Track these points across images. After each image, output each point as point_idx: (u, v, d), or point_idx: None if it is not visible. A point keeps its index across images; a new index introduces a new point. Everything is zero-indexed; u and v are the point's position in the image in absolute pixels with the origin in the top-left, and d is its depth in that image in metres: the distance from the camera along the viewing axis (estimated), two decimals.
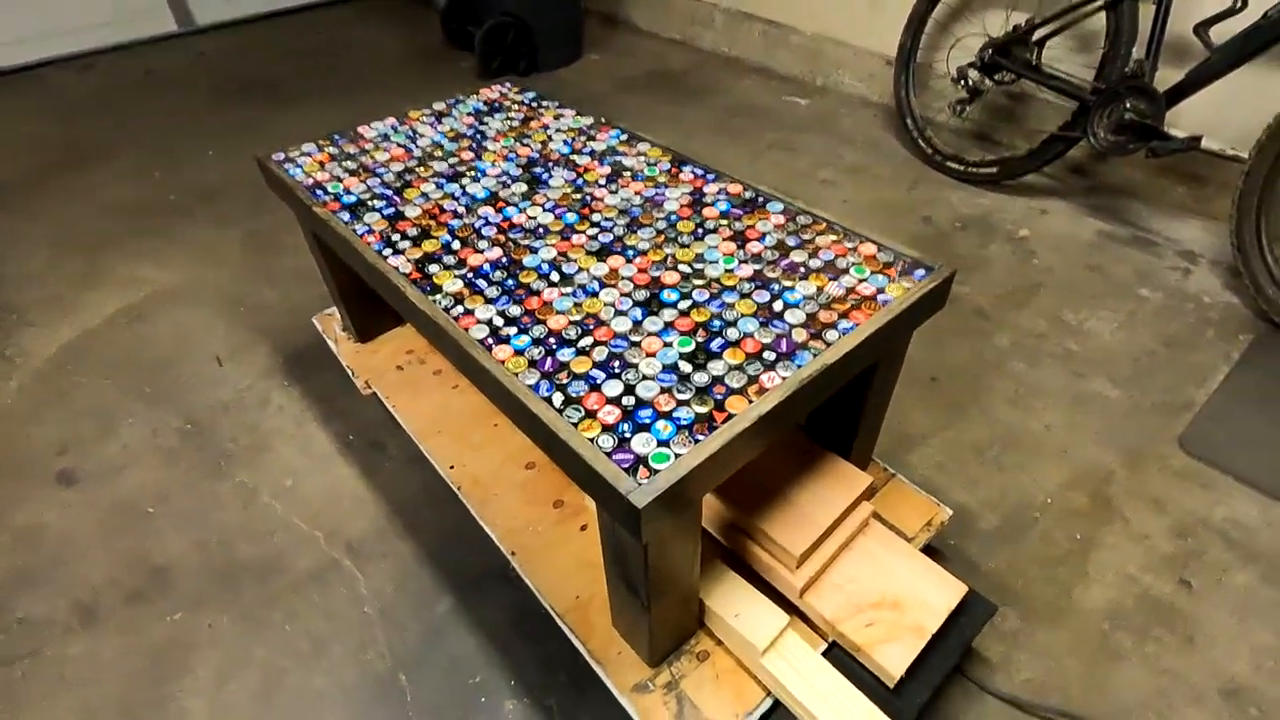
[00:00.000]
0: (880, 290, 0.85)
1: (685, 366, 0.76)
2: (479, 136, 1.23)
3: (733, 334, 0.80)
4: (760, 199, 1.03)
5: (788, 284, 0.87)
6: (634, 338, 0.80)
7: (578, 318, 0.83)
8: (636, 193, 1.06)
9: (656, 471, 0.64)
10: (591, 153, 1.16)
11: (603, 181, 1.08)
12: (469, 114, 1.31)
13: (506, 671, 1.01)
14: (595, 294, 0.86)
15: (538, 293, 0.87)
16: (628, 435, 0.68)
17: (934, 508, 1.06)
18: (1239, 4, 1.50)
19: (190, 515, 1.24)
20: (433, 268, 0.92)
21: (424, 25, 3.28)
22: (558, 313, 0.84)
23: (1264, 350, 1.50)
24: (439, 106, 1.33)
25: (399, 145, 1.21)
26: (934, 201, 2.00)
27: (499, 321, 0.83)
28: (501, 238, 0.97)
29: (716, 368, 0.75)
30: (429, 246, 0.96)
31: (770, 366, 0.75)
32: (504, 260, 0.93)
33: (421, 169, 1.14)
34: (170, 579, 1.14)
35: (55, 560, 1.18)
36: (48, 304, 1.72)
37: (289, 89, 2.76)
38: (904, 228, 1.88)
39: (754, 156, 2.22)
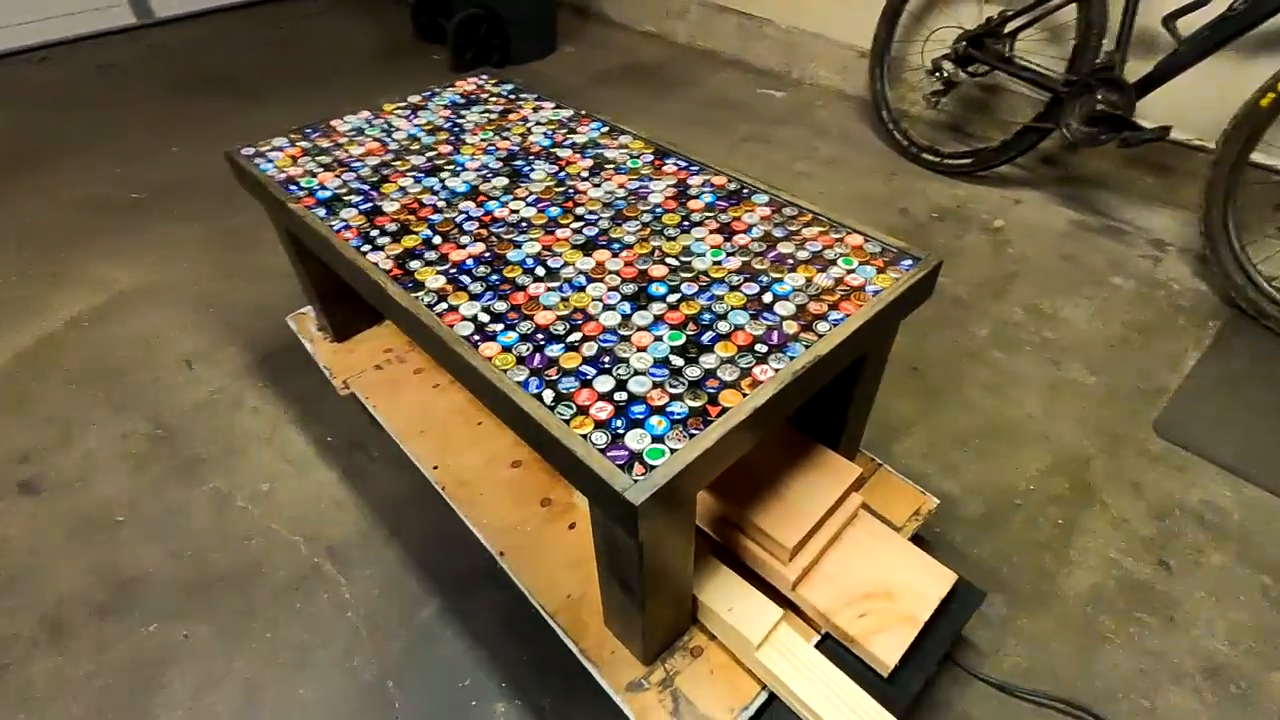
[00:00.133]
0: (868, 281, 0.85)
1: (677, 360, 0.75)
2: (457, 130, 1.20)
3: (723, 327, 0.79)
4: (745, 190, 1.02)
5: (776, 276, 0.86)
6: (623, 332, 0.78)
7: (565, 313, 0.81)
8: (620, 185, 1.04)
9: (652, 468, 0.63)
10: (573, 145, 1.15)
11: (585, 174, 1.07)
12: (445, 107, 1.28)
13: (497, 674, 1.00)
14: (582, 288, 0.85)
15: (523, 288, 0.85)
16: (621, 431, 0.67)
17: (921, 497, 1.07)
18: None
19: (162, 523, 1.20)
20: (414, 264, 0.90)
21: (392, 18, 3.22)
22: (545, 308, 0.82)
23: (1232, 335, 1.53)
24: (414, 99, 1.30)
25: (374, 139, 1.18)
26: (910, 193, 2.01)
27: (484, 318, 0.81)
28: (484, 232, 0.95)
29: (708, 361, 0.74)
30: (409, 242, 0.93)
31: (762, 359, 0.74)
32: (487, 255, 0.91)
33: (398, 163, 1.11)
34: (143, 590, 1.11)
35: (19, 573, 1.13)
36: (5, 306, 1.66)
37: (254, 83, 2.68)
38: (882, 219, 1.89)
39: (730, 149, 2.22)
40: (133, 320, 1.61)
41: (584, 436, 0.66)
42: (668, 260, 0.89)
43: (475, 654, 1.02)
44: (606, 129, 1.19)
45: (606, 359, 0.75)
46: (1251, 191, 1.58)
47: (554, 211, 0.99)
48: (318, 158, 1.13)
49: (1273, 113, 1.46)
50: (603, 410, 0.69)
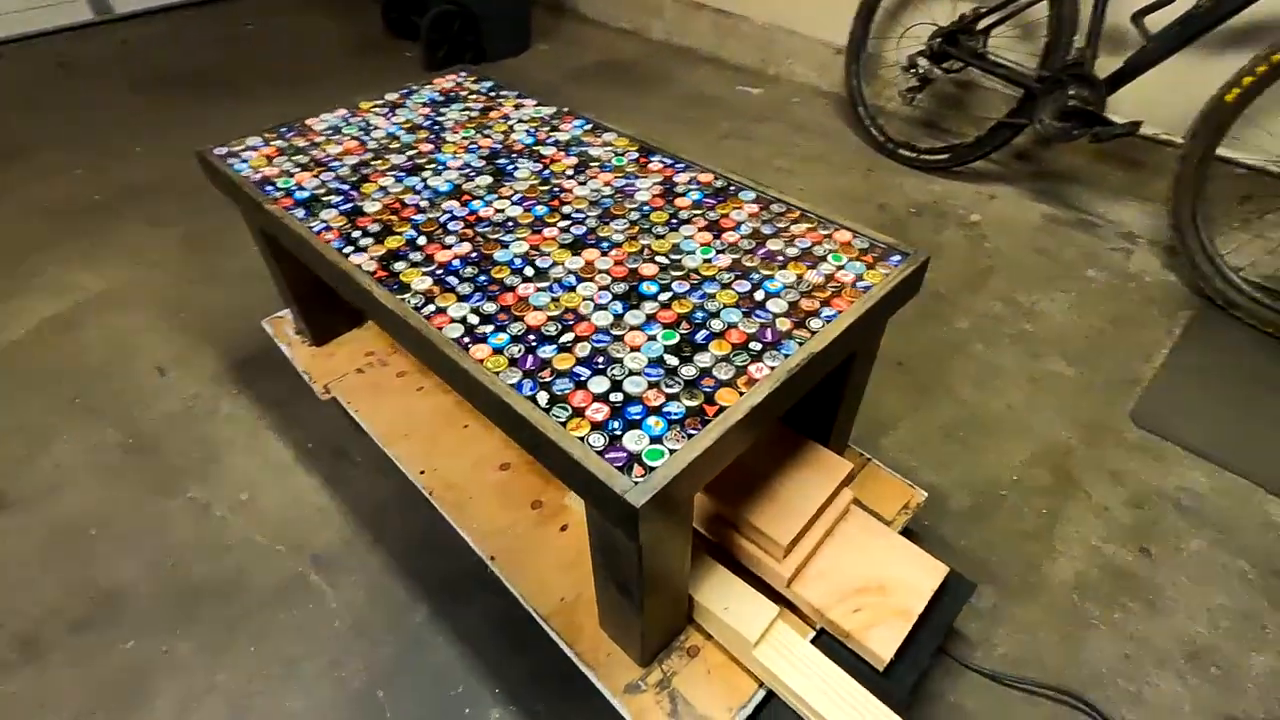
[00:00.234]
0: (859, 277, 0.85)
1: (671, 360, 0.74)
2: (437, 128, 1.18)
3: (716, 325, 0.78)
4: (732, 187, 1.02)
5: (767, 273, 0.86)
6: (616, 332, 0.78)
7: (556, 313, 0.80)
8: (606, 183, 1.03)
9: (652, 469, 0.63)
10: (556, 143, 1.13)
11: (570, 172, 1.06)
12: (424, 105, 1.25)
13: (490, 680, 0.98)
14: (572, 288, 0.84)
15: (512, 288, 0.84)
16: (618, 432, 0.66)
17: (910, 491, 1.08)
18: None
19: (138, 535, 1.16)
20: (399, 265, 0.88)
21: (362, 14, 3.17)
22: (535, 308, 0.81)
23: (1202, 326, 1.57)
24: (392, 97, 1.28)
25: (352, 138, 1.15)
26: (888, 188, 2.03)
27: (474, 319, 0.79)
28: (469, 232, 0.93)
29: (703, 360, 0.74)
30: (393, 243, 0.92)
31: (757, 357, 0.74)
32: (474, 256, 0.89)
33: (378, 162, 1.09)
34: (120, 604, 1.07)
35: None
36: None
37: (220, 81, 2.62)
38: (862, 215, 1.91)
39: (710, 146, 2.22)
40: (101, 326, 1.56)
41: (581, 439, 0.66)
42: (658, 259, 0.88)
43: (467, 660, 1.00)
44: (590, 127, 1.18)
45: (600, 359, 0.74)
46: (1217, 185, 1.62)
47: (540, 210, 0.97)
48: (294, 157, 1.10)
49: (1237, 108, 1.50)
50: (599, 412, 0.68)
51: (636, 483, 0.61)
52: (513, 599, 0.96)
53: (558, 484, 1.07)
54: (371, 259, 0.89)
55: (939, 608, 0.93)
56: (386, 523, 1.18)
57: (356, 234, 0.93)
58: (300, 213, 0.97)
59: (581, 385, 0.71)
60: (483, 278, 0.85)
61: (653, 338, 0.77)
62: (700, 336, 0.77)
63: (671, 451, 0.64)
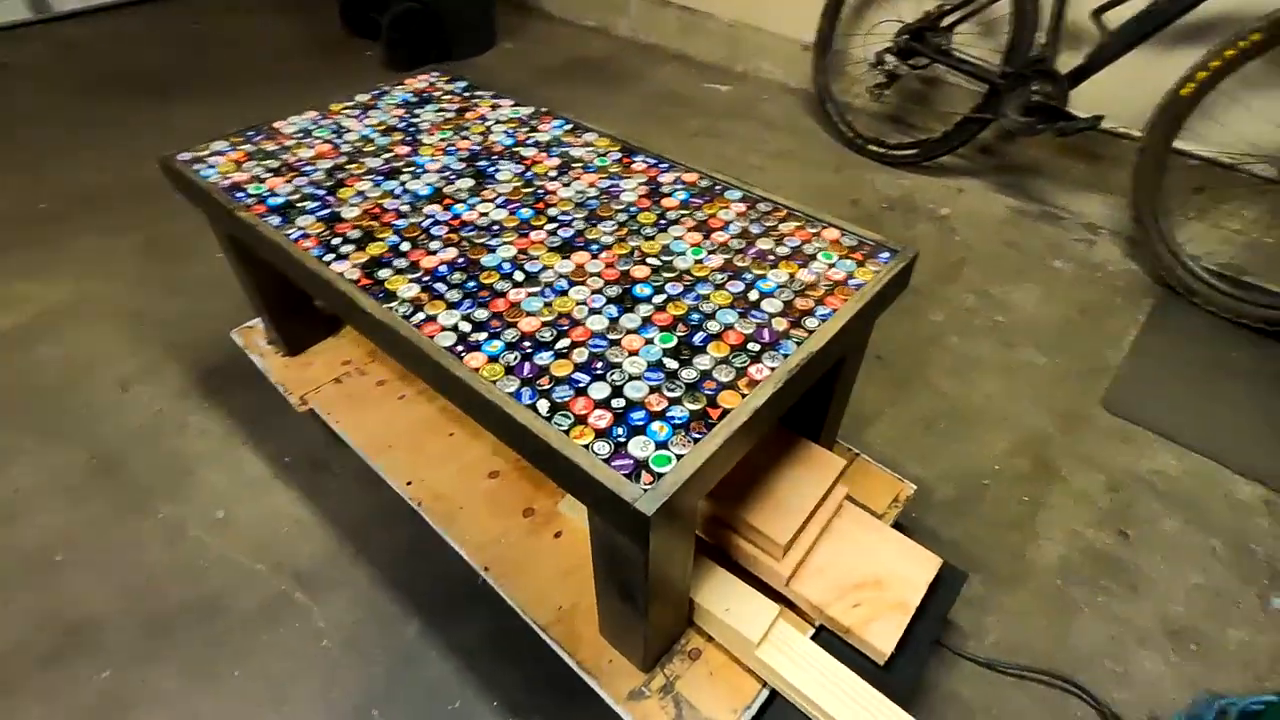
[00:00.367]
0: (850, 275, 0.85)
1: (671, 363, 0.73)
2: (412, 129, 1.15)
3: (713, 326, 0.78)
4: (718, 187, 1.02)
5: (759, 273, 0.86)
6: (612, 336, 0.76)
7: (550, 318, 0.79)
8: (590, 184, 1.02)
9: (660, 475, 0.62)
10: (536, 144, 1.11)
11: (553, 174, 1.04)
12: (397, 106, 1.22)
13: (487, 693, 0.97)
14: (564, 292, 0.82)
15: (503, 294, 0.82)
16: (623, 439, 0.65)
17: (898, 484, 1.09)
18: None
19: (108, 560, 1.11)
20: (383, 272, 0.85)
21: (319, 12, 3.08)
22: (528, 314, 0.79)
23: (1165, 313, 1.63)
24: (363, 98, 1.24)
25: (324, 141, 1.12)
26: (859, 184, 2.05)
27: (466, 327, 0.77)
28: (454, 237, 0.91)
29: (703, 362, 0.73)
30: (375, 250, 0.89)
31: (756, 358, 0.74)
32: (461, 261, 0.87)
33: (353, 166, 1.06)
34: (92, 634, 1.02)
35: None
36: None
37: (172, 83, 2.52)
38: (836, 210, 1.90)
39: (681, 144, 2.22)
40: (57, 341, 1.49)
41: (585, 447, 0.64)
42: (649, 260, 0.87)
43: (462, 674, 0.98)
44: (570, 127, 1.16)
45: (599, 365, 0.73)
46: (1173, 176, 1.68)
47: (526, 213, 0.95)
48: (264, 162, 1.06)
49: (1193, 101, 1.55)
50: (601, 418, 0.67)
51: (646, 490, 0.60)
52: (506, 608, 0.94)
53: (549, 490, 1.06)
54: (354, 267, 0.86)
55: (934, 599, 0.94)
56: (371, 536, 1.15)
57: (336, 241, 0.90)
58: (275, 219, 0.94)
59: (582, 392, 0.70)
60: (471, 283, 0.84)
61: (650, 341, 0.76)
62: (698, 338, 0.76)
63: (678, 457, 0.63)
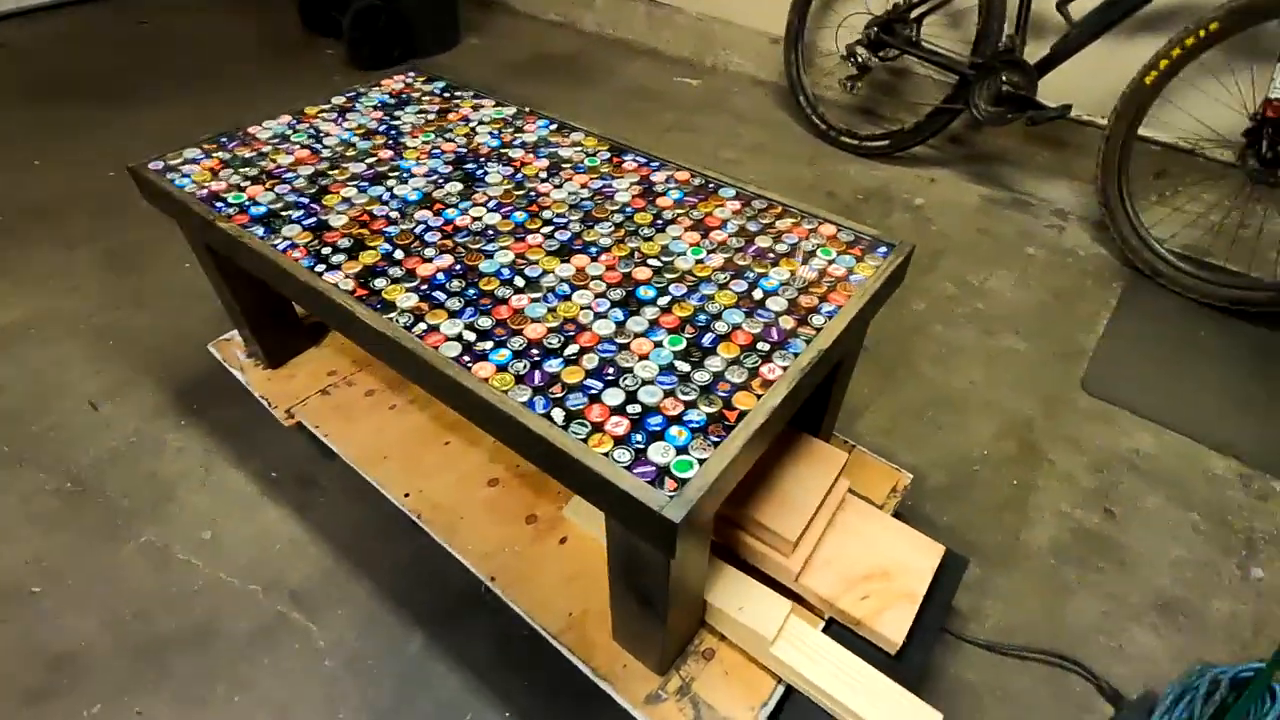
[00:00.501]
0: (851, 271, 0.86)
1: (682, 365, 0.73)
2: (393, 132, 1.12)
3: (721, 327, 0.77)
4: (711, 185, 1.01)
5: (761, 271, 0.86)
6: (620, 340, 0.76)
7: (555, 324, 0.78)
8: (582, 185, 1.01)
9: (684, 481, 0.61)
10: (523, 145, 1.10)
11: (544, 175, 1.02)
12: (375, 108, 1.19)
13: (498, 703, 0.95)
14: (567, 297, 0.81)
15: (504, 300, 0.81)
16: (642, 445, 0.65)
17: (896, 474, 1.10)
18: None
19: (90, 589, 1.07)
20: (379, 282, 0.83)
21: (273, 10, 2.99)
22: (532, 320, 0.78)
23: (1134, 295, 1.68)
24: (338, 101, 1.21)
25: (302, 146, 1.08)
26: (834, 175, 2.07)
27: (470, 336, 0.76)
28: (449, 243, 0.89)
29: (714, 364, 0.73)
30: (368, 258, 0.86)
31: (766, 357, 0.74)
32: (458, 268, 0.85)
33: (336, 172, 1.03)
34: (79, 667, 0.98)
35: None
36: None
37: (123, 86, 2.42)
38: (814, 203, 1.92)
39: (655, 139, 2.21)
40: (17, 362, 1.42)
41: (606, 455, 0.64)
42: (649, 262, 0.87)
43: (472, 685, 0.97)
44: (555, 126, 1.14)
45: (610, 370, 0.72)
46: (1138, 162, 1.72)
47: (519, 217, 0.94)
48: (241, 169, 1.03)
49: (1155, 89, 1.60)
50: (619, 425, 0.66)
51: (672, 497, 0.60)
52: (511, 616, 0.93)
53: (551, 496, 1.05)
54: (348, 277, 0.84)
55: (939, 586, 0.95)
56: (367, 550, 1.12)
57: (326, 250, 0.88)
58: (260, 230, 0.91)
59: (596, 399, 0.69)
60: (471, 291, 0.82)
61: (659, 344, 0.75)
62: (707, 340, 0.76)
63: (700, 462, 0.63)
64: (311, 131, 1.12)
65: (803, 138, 2.24)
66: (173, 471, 1.23)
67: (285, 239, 0.89)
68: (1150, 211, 1.76)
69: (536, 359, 0.73)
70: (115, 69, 2.53)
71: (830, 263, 0.87)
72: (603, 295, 0.81)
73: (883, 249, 0.89)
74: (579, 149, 1.09)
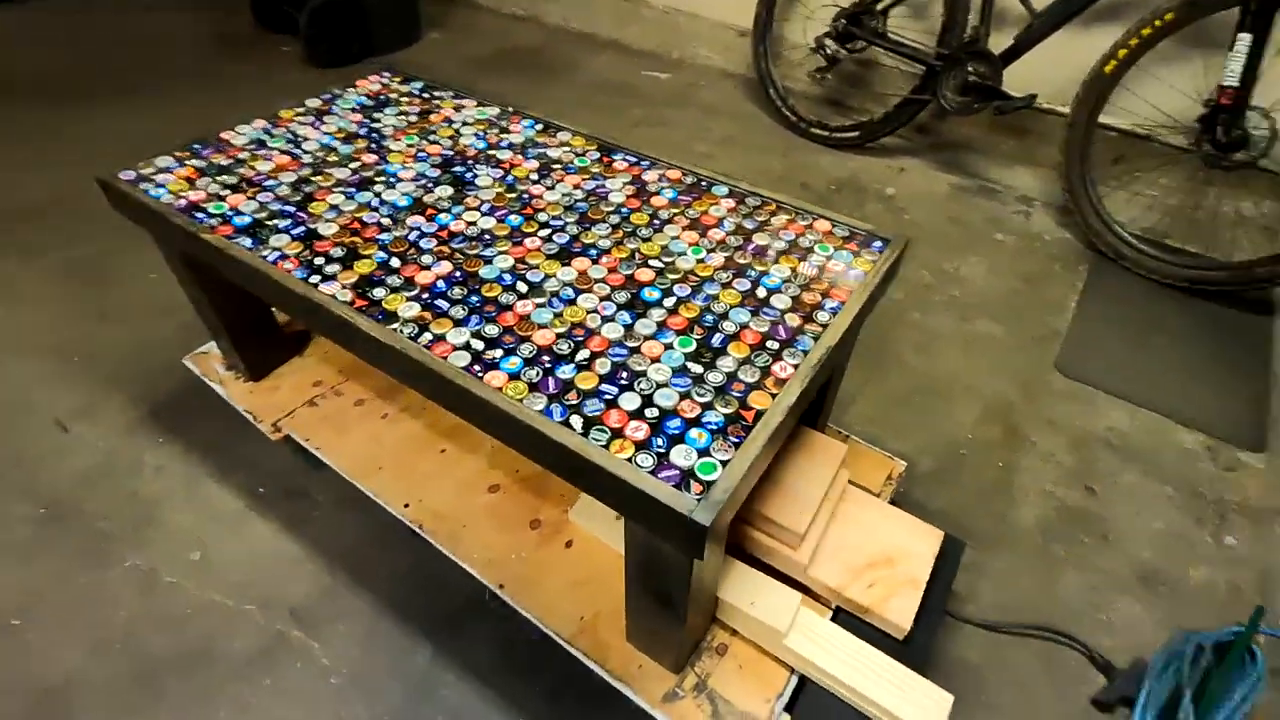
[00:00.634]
0: (850, 266, 0.87)
1: (695, 367, 0.73)
2: (375, 136, 1.09)
3: (729, 327, 0.78)
4: (703, 183, 1.01)
5: (762, 269, 0.86)
6: (631, 344, 0.76)
7: (563, 330, 0.77)
8: (575, 186, 1.00)
9: (709, 484, 0.62)
10: (511, 146, 1.08)
11: (535, 177, 1.01)
12: (353, 110, 1.16)
13: (511, 710, 0.95)
14: (572, 301, 0.81)
15: (509, 307, 0.80)
16: (664, 449, 0.65)
17: (890, 462, 1.12)
18: None
19: (74, 618, 1.03)
20: (378, 292, 0.81)
21: (222, 8, 2.88)
22: (540, 327, 0.77)
23: (1100, 277, 1.74)
24: (314, 103, 1.17)
25: (281, 152, 1.05)
26: (807, 167, 2.09)
27: (478, 345, 0.75)
28: (445, 249, 0.88)
29: (726, 364, 0.73)
30: (363, 268, 0.84)
31: (777, 356, 0.75)
32: (458, 275, 0.84)
33: (320, 178, 1.00)
34: (68, 699, 0.94)
35: None
36: None
37: (69, 87, 2.31)
38: (789, 194, 1.95)
39: (626, 134, 2.20)
40: None
41: (629, 460, 0.64)
42: (650, 263, 0.86)
43: (482, 693, 0.96)
44: (542, 126, 1.13)
45: (624, 374, 0.72)
46: (1098, 148, 1.78)
47: (515, 220, 0.93)
48: (219, 177, 0.99)
49: (1114, 78, 1.65)
50: (638, 430, 0.66)
51: (699, 500, 0.60)
52: (519, 622, 0.93)
53: (554, 500, 1.04)
54: (345, 287, 0.81)
55: (939, 570, 0.98)
56: (364, 561, 1.10)
57: (319, 260, 0.85)
58: (246, 240, 0.88)
59: (613, 404, 0.69)
60: (474, 298, 0.81)
61: (669, 346, 0.75)
62: (716, 340, 0.76)
63: (723, 463, 0.64)
64: (289, 136, 1.09)
65: (773, 130, 2.26)
66: (153, 491, 1.19)
67: (274, 249, 0.87)
68: (1111, 196, 1.82)
69: (548, 365, 0.73)
70: (64, 69, 2.41)
71: (828, 258, 0.88)
72: (608, 298, 0.81)
73: (878, 244, 0.91)
74: (568, 149, 1.08)
